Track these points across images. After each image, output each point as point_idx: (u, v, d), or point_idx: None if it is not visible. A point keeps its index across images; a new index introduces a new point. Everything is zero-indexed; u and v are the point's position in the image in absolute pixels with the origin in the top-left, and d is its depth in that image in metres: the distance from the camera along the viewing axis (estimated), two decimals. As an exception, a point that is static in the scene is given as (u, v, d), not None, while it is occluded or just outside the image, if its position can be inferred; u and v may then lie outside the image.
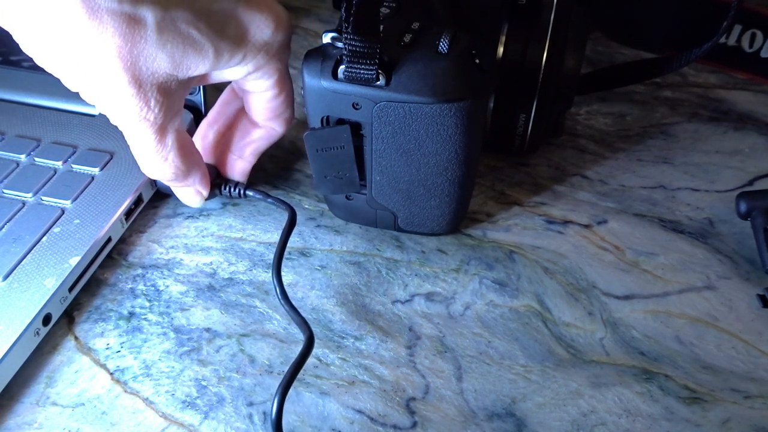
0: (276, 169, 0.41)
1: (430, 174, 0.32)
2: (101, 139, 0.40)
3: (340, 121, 0.31)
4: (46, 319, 0.31)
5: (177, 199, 0.39)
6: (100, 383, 0.30)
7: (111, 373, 0.31)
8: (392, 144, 0.31)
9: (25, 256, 0.33)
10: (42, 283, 0.32)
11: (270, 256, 0.36)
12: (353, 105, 0.30)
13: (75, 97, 0.42)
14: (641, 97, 0.46)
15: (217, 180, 0.37)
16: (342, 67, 0.29)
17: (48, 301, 0.31)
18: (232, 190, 0.37)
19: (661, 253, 0.36)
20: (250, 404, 0.30)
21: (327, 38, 0.30)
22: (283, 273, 0.34)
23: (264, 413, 0.29)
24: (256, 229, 0.37)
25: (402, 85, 0.29)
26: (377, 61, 0.28)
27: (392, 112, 0.30)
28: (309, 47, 0.51)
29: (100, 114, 0.41)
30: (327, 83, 0.29)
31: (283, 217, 0.38)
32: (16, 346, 0.29)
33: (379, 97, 0.29)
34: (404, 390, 0.30)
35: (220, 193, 0.37)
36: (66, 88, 0.42)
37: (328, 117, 0.31)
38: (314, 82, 0.30)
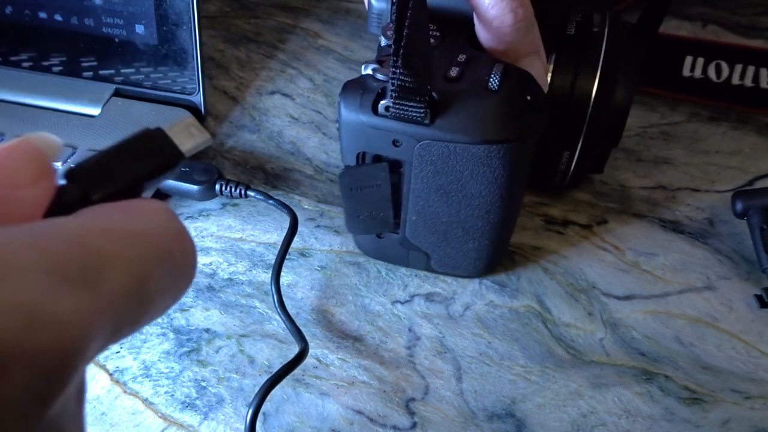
0: (276, 169, 0.41)
1: (471, 216, 0.30)
2: (101, 140, 0.40)
3: (377, 158, 0.29)
4: (46, 320, 0.31)
5: (177, 199, 0.39)
6: (100, 384, 0.30)
7: (110, 374, 0.31)
8: (432, 184, 0.29)
9: (24, 257, 0.33)
10: (41, 284, 0.31)
11: (269, 256, 0.36)
12: (393, 142, 0.28)
13: (75, 97, 0.42)
14: (641, 97, 0.46)
15: (218, 180, 0.37)
16: (384, 102, 0.27)
17: (47, 301, 0.31)
18: (233, 190, 0.37)
19: (661, 253, 0.36)
20: (250, 405, 0.30)
21: (368, 70, 0.28)
22: (282, 273, 0.34)
23: (264, 414, 0.29)
24: (256, 229, 0.37)
25: (449, 123, 0.26)
26: (427, 99, 0.26)
27: (435, 151, 0.27)
28: (309, 47, 0.51)
29: (100, 114, 0.41)
30: (366, 118, 0.27)
31: (283, 218, 0.38)
32: (15, 346, 0.29)
33: (422, 135, 0.27)
34: (404, 390, 0.30)
35: (221, 193, 0.37)
36: (65, 87, 0.42)
37: (364, 153, 0.29)
38: (352, 116, 0.28)
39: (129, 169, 0.16)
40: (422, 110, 0.26)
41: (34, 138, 0.15)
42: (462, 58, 0.28)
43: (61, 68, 0.44)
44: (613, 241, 0.37)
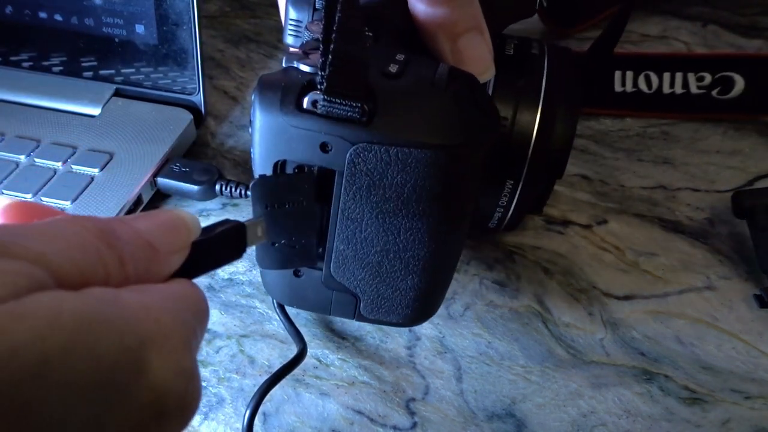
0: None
1: (410, 243, 0.25)
2: (101, 140, 0.40)
3: (300, 170, 0.24)
4: (46, 320, 0.31)
5: (177, 199, 0.39)
6: (100, 384, 0.30)
7: (111, 374, 0.31)
8: (367, 201, 0.24)
9: (24, 257, 0.33)
10: (42, 284, 0.31)
11: (270, 256, 0.36)
12: (322, 146, 0.23)
13: (75, 97, 0.42)
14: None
15: (218, 180, 0.37)
16: (311, 96, 0.22)
17: (48, 301, 0.31)
18: (233, 190, 0.37)
19: (661, 253, 0.36)
20: (248, 405, 0.30)
21: (291, 62, 0.24)
22: (282, 273, 0.34)
23: (264, 414, 0.29)
24: (256, 229, 0.37)
25: (390, 123, 0.22)
26: (365, 92, 0.22)
27: (372, 158, 0.23)
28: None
29: (100, 114, 0.41)
30: (289, 117, 0.23)
31: (283, 218, 0.38)
32: (15, 347, 0.29)
33: (357, 136, 0.22)
34: (404, 390, 0.30)
35: (221, 193, 0.37)
36: (65, 87, 0.42)
37: (284, 162, 0.24)
38: (271, 115, 0.23)
39: (213, 256, 0.20)
40: (358, 106, 0.22)
41: (186, 216, 0.19)
42: (401, 57, 0.24)
43: (61, 68, 0.44)
44: (613, 241, 0.37)
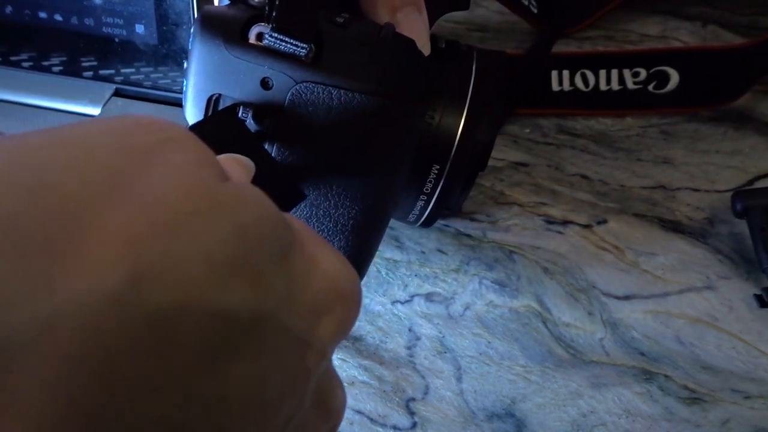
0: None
1: (344, 197, 0.25)
2: (101, 140, 0.40)
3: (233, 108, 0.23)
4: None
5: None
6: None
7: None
8: (302, 146, 0.23)
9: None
10: (42, 284, 0.31)
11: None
12: (262, 82, 0.22)
13: (75, 97, 0.42)
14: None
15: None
16: (257, 28, 0.22)
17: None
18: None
19: (661, 253, 0.36)
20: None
21: None
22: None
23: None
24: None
25: (336, 64, 0.22)
26: (314, 32, 0.22)
27: (314, 99, 0.22)
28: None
29: (100, 114, 0.41)
30: (232, 47, 0.22)
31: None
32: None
33: (302, 75, 0.22)
34: (404, 390, 0.30)
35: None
36: (65, 87, 0.42)
37: (219, 97, 0.23)
38: (212, 44, 0.22)
39: None
40: (306, 45, 0.21)
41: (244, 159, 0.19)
42: (345, 15, 0.24)
43: (61, 68, 0.44)
44: (613, 241, 0.37)
